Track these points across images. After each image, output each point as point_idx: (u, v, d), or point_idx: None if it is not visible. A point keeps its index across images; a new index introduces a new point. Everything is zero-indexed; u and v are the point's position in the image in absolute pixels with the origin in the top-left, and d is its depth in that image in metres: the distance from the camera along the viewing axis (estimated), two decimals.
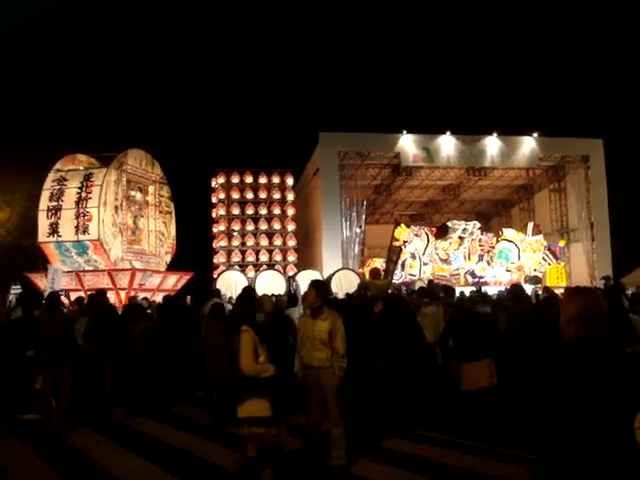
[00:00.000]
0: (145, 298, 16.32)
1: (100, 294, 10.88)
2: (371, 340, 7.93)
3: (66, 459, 7.17)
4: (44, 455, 7.27)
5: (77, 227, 20.19)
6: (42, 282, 19.16)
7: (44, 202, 20.45)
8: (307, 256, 29.04)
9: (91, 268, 20.57)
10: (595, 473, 2.58)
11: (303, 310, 10.81)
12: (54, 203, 20.37)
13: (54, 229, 20.24)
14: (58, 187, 20.51)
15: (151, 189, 23.62)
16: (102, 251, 20.39)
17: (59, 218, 20.30)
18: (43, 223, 20.36)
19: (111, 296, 18.61)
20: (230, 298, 16.18)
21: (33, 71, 38.83)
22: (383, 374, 7.86)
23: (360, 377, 7.67)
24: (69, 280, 19.83)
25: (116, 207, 21.06)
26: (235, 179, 27.94)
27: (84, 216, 20.19)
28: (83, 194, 20.33)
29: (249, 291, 6.34)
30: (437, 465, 6.49)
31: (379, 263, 26.43)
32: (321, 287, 6.76)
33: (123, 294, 19.69)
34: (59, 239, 20.25)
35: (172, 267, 24.11)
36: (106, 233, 20.44)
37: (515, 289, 9.97)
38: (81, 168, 21.52)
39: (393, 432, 7.60)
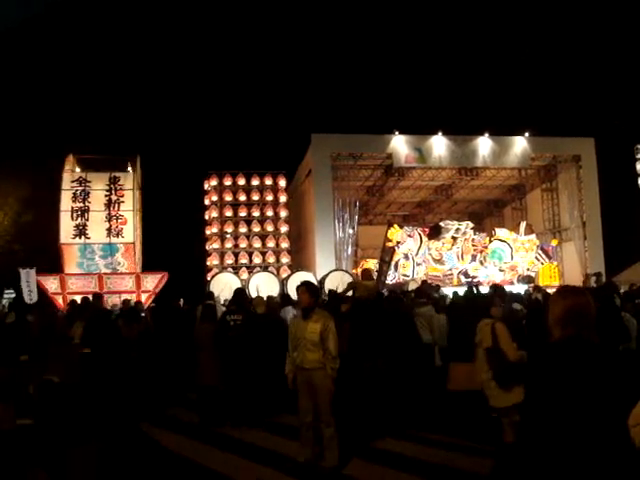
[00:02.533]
0: (139, 301, 16.29)
1: (96, 297, 10.84)
2: (358, 341, 7.95)
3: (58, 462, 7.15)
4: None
5: (109, 230, 20.26)
6: (52, 284, 19.14)
7: (66, 203, 20.17)
8: (300, 258, 29.05)
9: (109, 271, 20.53)
10: (587, 472, 2.59)
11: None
12: (79, 204, 20.23)
13: (81, 231, 20.13)
14: (81, 188, 20.36)
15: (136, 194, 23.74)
16: (132, 254, 20.64)
17: (87, 220, 20.19)
18: (67, 224, 20.10)
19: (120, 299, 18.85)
20: (225, 300, 16.15)
21: (24, 75, 38.72)
22: (373, 375, 7.87)
23: (350, 378, 7.70)
24: (86, 282, 19.64)
25: (136, 211, 21.47)
26: (228, 181, 27.90)
27: (117, 219, 20.32)
28: (113, 197, 20.42)
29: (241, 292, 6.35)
30: (429, 465, 6.52)
31: (372, 264, 26.47)
32: (314, 288, 6.77)
33: (144, 297, 19.83)
34: (87, 241, 20.11)
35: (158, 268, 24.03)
36: (135, 237, 20.84)
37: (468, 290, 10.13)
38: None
39: (385, 432, 7.62)
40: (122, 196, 20.46)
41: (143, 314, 12.93)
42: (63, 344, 8.15)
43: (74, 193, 20.26)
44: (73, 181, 20.43)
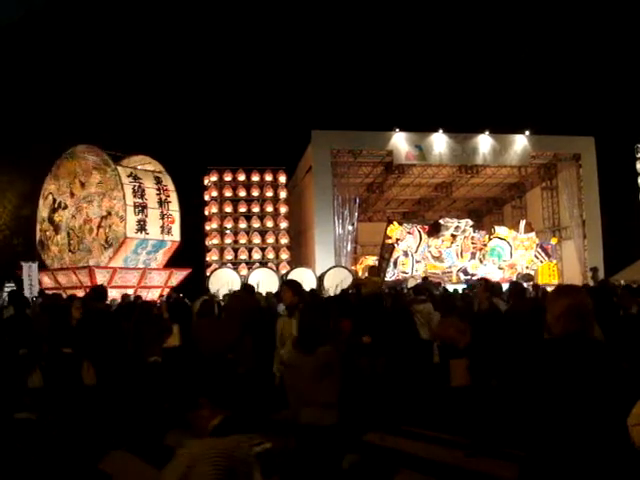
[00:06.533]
0: (138, 296, 16.27)
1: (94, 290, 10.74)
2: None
3: (60, 458, 7.16)
4: (39, 454, 7.25)
5: (162, 227, 20.75)
6: (103, 277, 19.23)
7: (129, 197, 20.12)
8: (300, 254, 29.08)
9: (143, 266, 20.84)
10: (586, 470, 2.60)
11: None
12: (139, 200, 20.29)
13: (142, 226, 20.27)
14: (137, 184, 20.41)
15: None
16: (171, 252, 21.32)
17: (146, 216, 20.39)
18: (131, 218, 20.10)
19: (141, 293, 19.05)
20: (224, 296, 16.16)
21: (23, 70, 38.62)
22: (372, 373, 7.89)
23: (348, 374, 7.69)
24: (131, 277, 19.99)
25: None
26: (228, 177, 27.94)
27: (168, 218, 20.89)
28: (162, 196, 20.89)
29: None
30: (426, 462, 6.53)
31: (372, 261, 26.51)
32: (296, 286, 6.75)
33: (166, 292, 20.42)
34: (147, 236, 20.39)
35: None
36: None
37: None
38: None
39: (381, 428, 7.63)
40: (169, 196, 21.05)
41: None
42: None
43: (133, 188, 20.26)
44: (128, 176, 20.40)
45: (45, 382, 8.16)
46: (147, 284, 20.09)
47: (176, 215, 21.17)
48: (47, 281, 20.49)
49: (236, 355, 6.38)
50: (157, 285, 20.56)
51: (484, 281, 8.32)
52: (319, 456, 4.70)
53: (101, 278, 19.05)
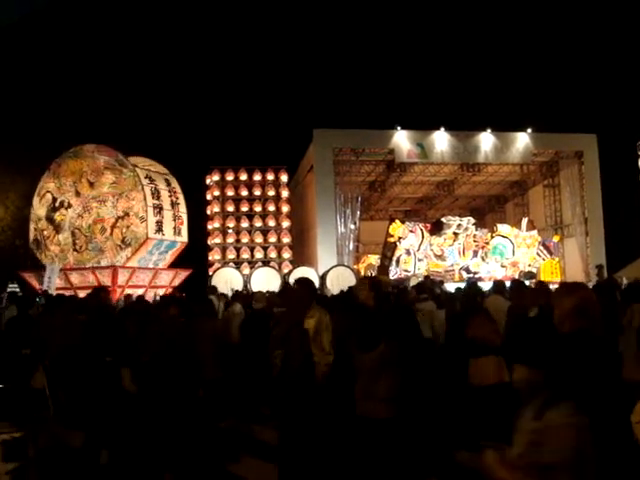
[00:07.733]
0: (141, 296, 16.27)
1: (100, 290, 10.75)
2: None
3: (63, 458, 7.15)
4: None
5: (175, 228, 21.26)
6: (124, 277, 19.62)
7: (149, 199, 20.32)
8: (302, 253, 29.07)
9: (153, 266, 21.09)
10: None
11: None
12: (156, 201, 20.57)
13: (159, 227, 20.59)
14: (153, 186, 20.66)
15: None
16: (178, 252, 21.78)
17: (162, 217, 20.70)
18: (151, 219, 20.28)
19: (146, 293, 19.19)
20: (225, 295, 16.16)
21: (25, 70, 38.65)
22: None
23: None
24: (145, 276, 20.33)
25: None
26: (230, 176, 27.94)
27: (178, 219, 21.46)
28: (173, 198, 21.40)
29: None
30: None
31: (374, 259, 26.51)
32: (309, 284, 6.69)
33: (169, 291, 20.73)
34: (163, 237, 20.73)
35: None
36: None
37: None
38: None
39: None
40: (177, 198, 21.52)
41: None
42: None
43: (151, 190, 20.44)
44: (145, 177, 20.51)
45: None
46: (156, 284, 20.46)
47: (184, 217, 21.64)
48: (57, 281, 20.14)
49: (286, 350, 6.31)
50: (164, 285, 20.87)
51: (369, 280, 8.08)
52: (376, 447, 4.79)
53: (121, 278, 19.30)
